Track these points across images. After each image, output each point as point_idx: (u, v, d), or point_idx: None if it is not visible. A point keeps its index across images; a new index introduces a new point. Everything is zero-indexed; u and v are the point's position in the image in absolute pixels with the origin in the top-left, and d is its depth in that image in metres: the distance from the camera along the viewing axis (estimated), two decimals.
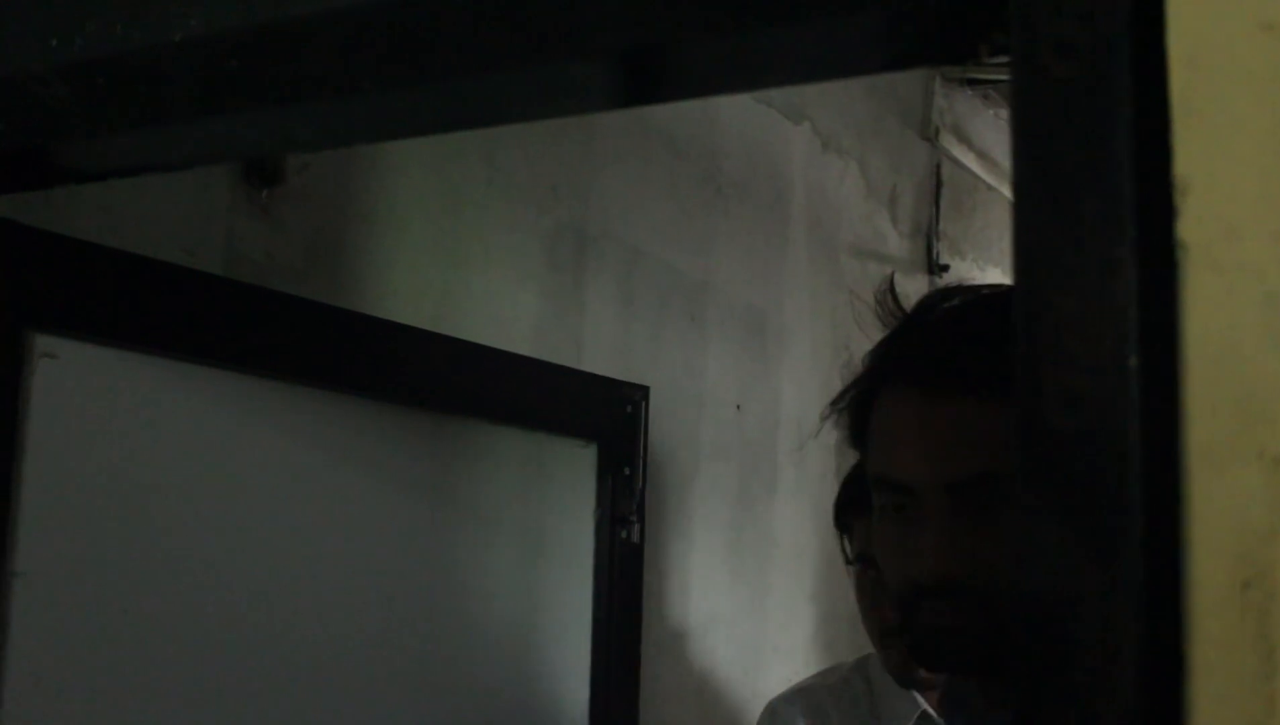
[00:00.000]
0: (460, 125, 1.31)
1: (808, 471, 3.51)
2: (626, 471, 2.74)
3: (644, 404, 2.75)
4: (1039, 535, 0.82)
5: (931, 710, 2.21)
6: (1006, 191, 4.24)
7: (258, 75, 1.22)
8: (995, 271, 4.62)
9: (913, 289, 2.31)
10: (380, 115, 1.27)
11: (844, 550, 2.25)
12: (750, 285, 3.31)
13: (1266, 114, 0.78)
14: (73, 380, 1.66)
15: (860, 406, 1.43)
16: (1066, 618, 0.81)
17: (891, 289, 1.48)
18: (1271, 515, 0.75)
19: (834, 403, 1.50)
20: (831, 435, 3.39)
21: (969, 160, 4.44)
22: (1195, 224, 0.79)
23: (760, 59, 1.04)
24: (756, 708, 2.79)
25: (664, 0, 1.00)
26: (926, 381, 1.35)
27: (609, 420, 2.69)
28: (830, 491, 2.94)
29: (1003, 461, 1.28)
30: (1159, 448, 0.79)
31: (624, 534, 2.84)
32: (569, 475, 2.62)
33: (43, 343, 1.63)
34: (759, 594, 3.32)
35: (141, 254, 1.76)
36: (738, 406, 3.26)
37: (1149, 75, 0.82)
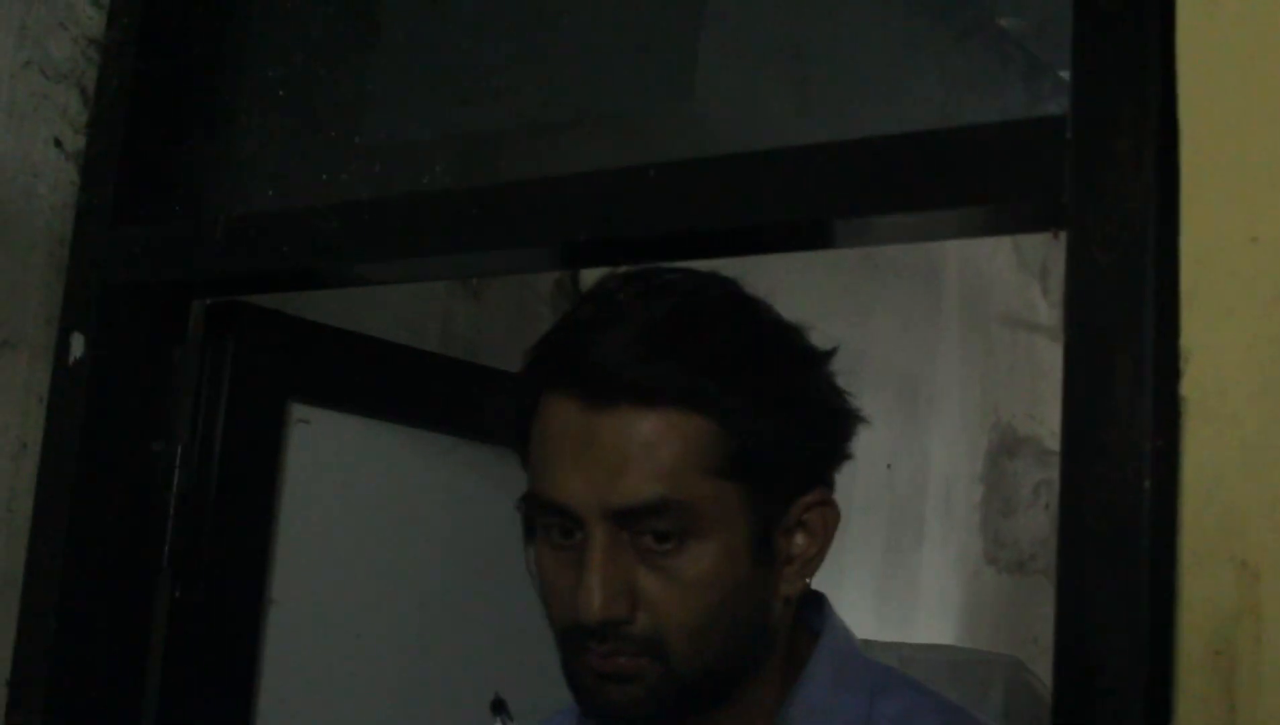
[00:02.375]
0: None
1: (955, 525, 3.76)
2: None
3: None
4: (1078, 614, 1.11)
5: None
6: None
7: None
8: None
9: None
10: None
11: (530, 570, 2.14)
12: (905, 352, 3.59)
13: (1251, 304, 1.06)
14: (321, 440, 2.01)
15: (522, 415, 1.22)
16: (1096, 671, 1.10)
17: (573, 276, 1.27)
18: (1239, 603, 1.02)
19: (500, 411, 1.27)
20: (978, 492, 3.66)
21: None
22: (1194, 384, 1.06)
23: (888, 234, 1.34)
24: None
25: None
26: (590, 388, 1.15)
27: None
28: (976, 545, 3.19)
29: (678, 486, 1.14)
30: (1163, 549, 1.06)
31: None
32: None
33: (299, 411, 1.98)
34: (903, 637, 3.59)
35: (375, 336, 2.11)
36: (888, 465, 3.54)
37: (1167, 268, 1.10)
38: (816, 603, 1.30)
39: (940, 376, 3.69)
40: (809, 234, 1.37)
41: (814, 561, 1.24)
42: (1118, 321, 1.12)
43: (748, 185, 1.31)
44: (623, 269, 1.22)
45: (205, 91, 1.90)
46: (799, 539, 1.23)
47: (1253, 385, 1.05)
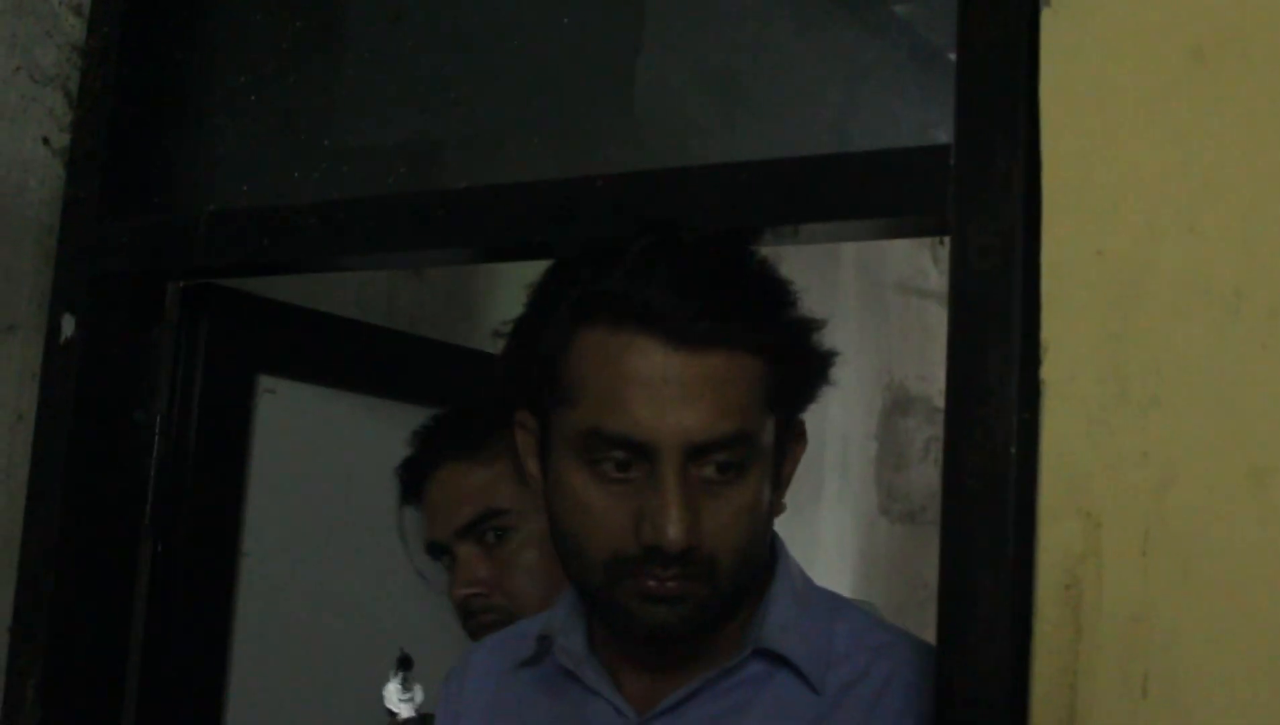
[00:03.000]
0: None
1: (851, 480, 4.03)
2: None
3: None
4: (958, 555, 1.35)
5: None
6: None
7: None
8: None
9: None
10: None
11: (419, 550, 2.00)
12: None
13: (1098, 306, 1.30)
14: (285, 408, 2.22)
15: (553, 345, 1.27)
16: (972, 602, 1.34)
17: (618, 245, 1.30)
18: (1084, 547, 1.27)
19: (513, 334, 1.35)
20: (873, 448, 3.91)
21: None
22: (1050, 370, 1.31)
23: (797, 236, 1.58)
24: None
25: None
26: (673, 331, 1.22)
27: None
28: (871, 498, 3.44)
29: (748, 420, 1.24)
30: (1025, 503, 1.31)
31: None
32: None
33: (265, 382, 2.19)
34: None
35: (331, 313, 2.31)
36: None
37: (1031, 274, 1.34)
38: (775, 546, 1.42)
39: (838, 340, 3.90)
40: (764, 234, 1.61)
41: (790, 480, 1.38)
42: (991, 317, 1.36)
43: (688, 196, 1.54)
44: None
45: (182, 94, 2.08)
46: (786, 464, 1.37)
47: (1097, 372, 1.29)
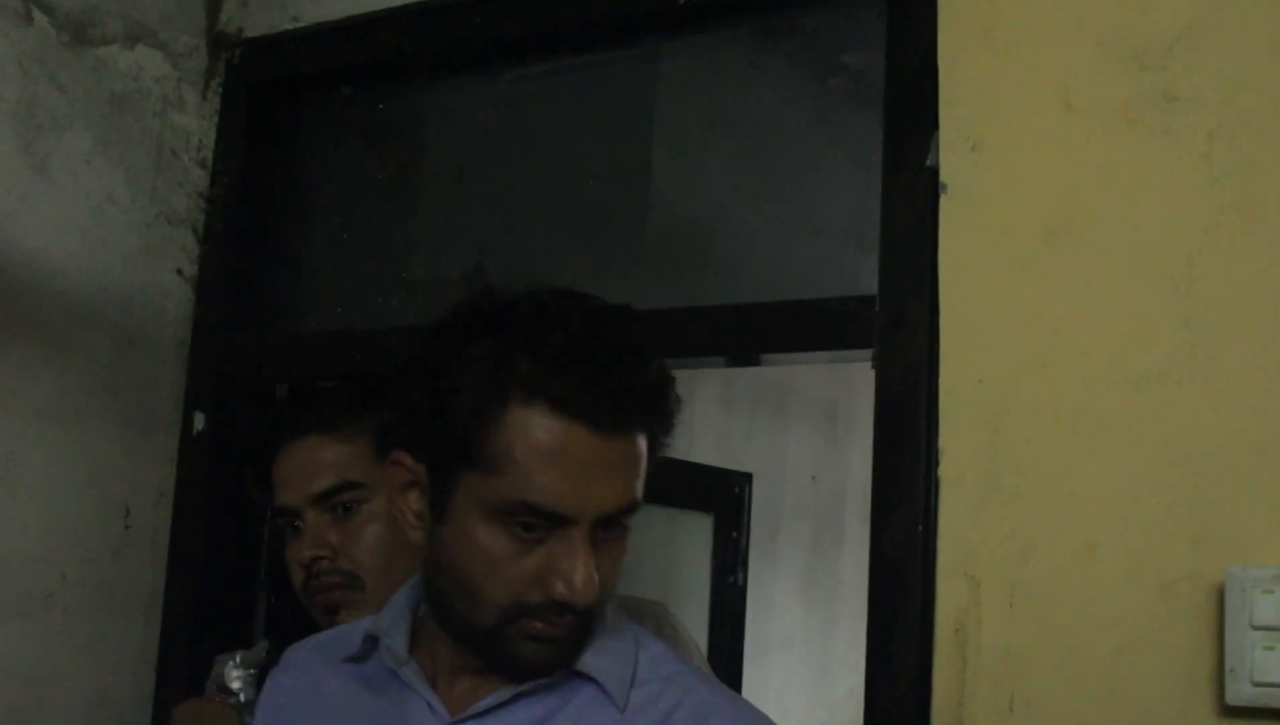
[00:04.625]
0: None
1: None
2: (734, 535, 3.82)
3: (748, 487, 3.81)
4: (882, 605, 1.81)
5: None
6: None
7: None
8: None
9: None
10: None
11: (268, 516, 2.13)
12: (827, 385, 4.30)
13: (979, 421, 1.75)
14: None
15: (479, 414, 1.35)
16: (890, 639, 1.80)
17: (489, 290, 1.46)
18: (968, 600, 1.72)
19: (418, 378, 1.43)
20: None
21: None
22: (946, 470, 1.76)
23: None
24: (822, 707, 3.80)
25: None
26: (602, 420, 1.34)
27: (722, 499, 3.77)
28: None
29: (640, 490, 1.39)
30: (928, 568, 1.76)
31: (731, 579, 3.91)
32: (693, 538, 3.70)
33: None
34: (827, 621, 4.31)
35: None
36: (813, 477, 4.26)
37: (933, 397, 1.79)
38: None
39: (857, 403, 4.40)
40: (737, 360, 2.10)
41: None
42: (904, 429, 1.82)
43: (677, 328, 2.02)
44: (544, 291, 1.44)
45: (287, 232, 2.57)
46: None
47: (978, 471, 1.74)
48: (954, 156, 1.82)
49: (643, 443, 1.38)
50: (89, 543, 2.38)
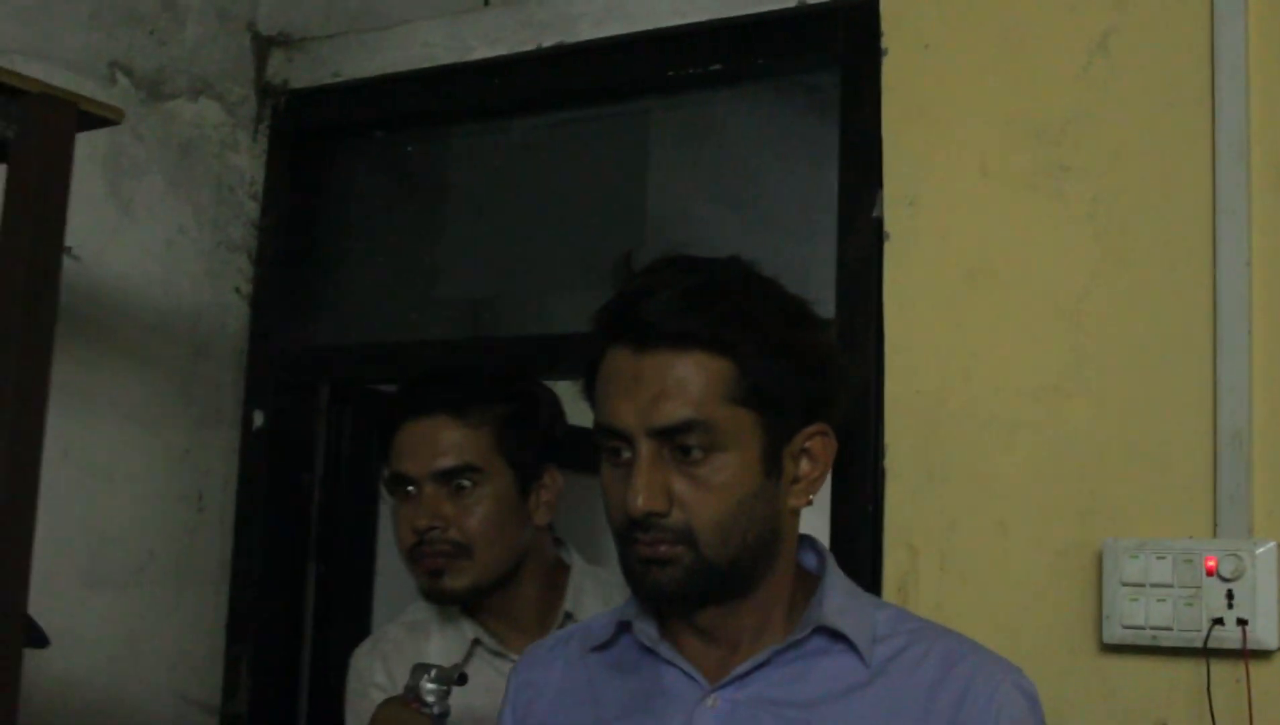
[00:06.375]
0: None
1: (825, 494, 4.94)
2: None
3: None
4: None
5: (486, 637, 2.16)
6: None
7: None
8: None
9: None
10: None
11: (381, 480, 2.22)
12: None
13: (916, 426, 2.20)
14: None
15: (590, 367, 1.47)
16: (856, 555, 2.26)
17: (626, 259, 1.50)
18: (909, 566, 2.18)
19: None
20: None
21: None
22: (890, 462, 2.21)
23: None
24: None
25: None
26: (637, 338, 1.40)
27: None
28: None
29: (703, 410, 1.39)
30: (876, 541, 2.21)
31: None
32: None
33: None
34: None
35: None
36: None
37: (879, 403, 2.25)
38: (815, 549, 1.60)
39: None
40: None
41: (816, 482, 1.51)
42: (857, 430, 2.27)
43: None
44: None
45: (329, 255, 3.00)
46: (804, 463, 1.49)
47: (914, 464, 2.18)
48: (895, 210, 2.26)
49: (705, 359, 1.40)
50: (170, 524, 2.81)
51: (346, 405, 3.02)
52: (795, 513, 1.51)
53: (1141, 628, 1.97)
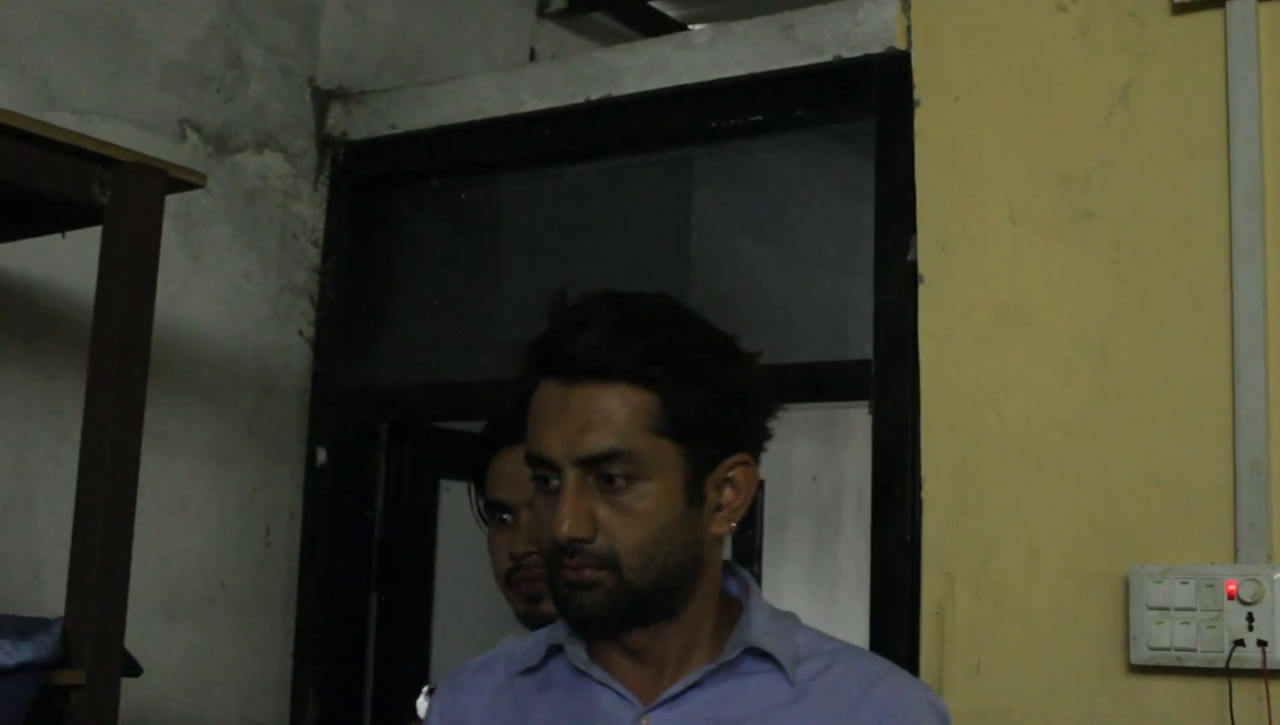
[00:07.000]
0: None
1: (864, 521, 5.07)
2: (750, 533, 4.38)
3: (760, 492, 4.38)
4: (882, 595, 2.39)
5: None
6: None
7: None
8: None
9: None
10: None
11: (475, 509, 2.19)
12: None
13: (950, 459, 2.32)
14: (458, 501, 3.26)
15: (522, 399, 1.49)
16: (888, 622, 2.38)
17: (561, 295, 1.53)
18: (945, 590, 2.30)
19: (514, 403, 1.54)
20: None
21: None
22: (927, 493, 2.34)
23: None
24: None
25: None
26: (562, 371, 1.43)
27: None
28: None
29: (625, 440, 1.42)
30: (915, 566, 2.34)
31: (749, 571, 4.51)
32: None
33: (445, 484, 3.24)
34: (829, 604, 4.90)
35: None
36: (814, 478, 4.84)
37: (916, 437, 2.37)
38: (737, 575, 1.60)
39: (852, 414, 4.98)
40: None
41: (739, 510, 1.52)
42: (895, 462, 2.40)
43: None
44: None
45: (388, 299, 3.15)
46: (726, 491, 1.50)
47: (950, 494, 2.31)
48: (929, 254, 2.39)
49: (629, 391, 1.42)
50: (240, 556, 2.96)
51: (405, 442, 3.15)
52: (718, 539, 1.54)
53: (1167, 649, 2.08)
